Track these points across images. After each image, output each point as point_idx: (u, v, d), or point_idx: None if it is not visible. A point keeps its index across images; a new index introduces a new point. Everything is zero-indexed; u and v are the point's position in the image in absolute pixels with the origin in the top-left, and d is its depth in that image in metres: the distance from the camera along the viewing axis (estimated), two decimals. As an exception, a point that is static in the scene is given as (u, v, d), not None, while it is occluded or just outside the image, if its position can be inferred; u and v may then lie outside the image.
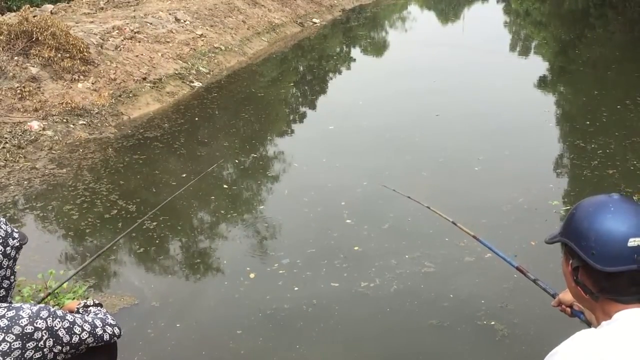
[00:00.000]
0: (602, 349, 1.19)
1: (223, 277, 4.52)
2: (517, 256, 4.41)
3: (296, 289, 4.27)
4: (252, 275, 4.46)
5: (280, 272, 4.50)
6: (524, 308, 3.85)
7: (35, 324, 1.66)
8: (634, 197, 5.31)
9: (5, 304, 1.72)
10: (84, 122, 7.71)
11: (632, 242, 1.24)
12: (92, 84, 8.46)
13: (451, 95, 9.34)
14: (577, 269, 1.33)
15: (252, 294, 4.23)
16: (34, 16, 8.86)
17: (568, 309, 1.68)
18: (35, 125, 7.22)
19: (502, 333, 3.66)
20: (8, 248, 1.75)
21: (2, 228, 1.75)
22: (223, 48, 11.76)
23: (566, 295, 1.63)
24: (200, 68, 10.52)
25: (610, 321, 1.26)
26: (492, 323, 3.75)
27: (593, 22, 17.47)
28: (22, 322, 1.65)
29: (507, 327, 3.70)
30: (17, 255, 1.81)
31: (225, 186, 6.22)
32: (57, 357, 1.73)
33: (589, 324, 1.49)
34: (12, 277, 1.80)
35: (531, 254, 4.45)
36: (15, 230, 1.83)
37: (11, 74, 7.80)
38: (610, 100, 8.63)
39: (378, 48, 15.27)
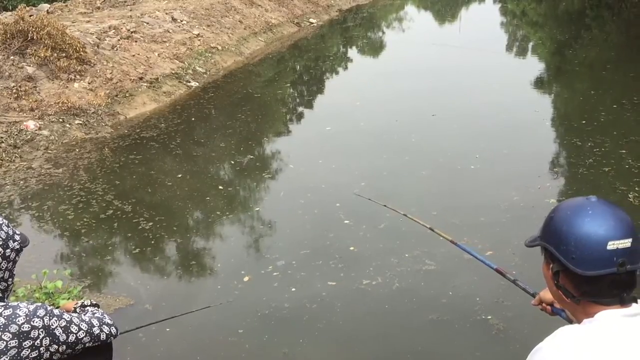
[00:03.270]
0: (584, 344, 1.21)
1: (216, 281, 4.47)
2: (515, 254, 4.43)
3: (293, 289, 4.26)
4: (246, 279, 4.41)
5: (275, 274, 4.46)
6: (517, 303, 3.90)
7: (32, 323, 1.65)
8: (630, 195, 5.33)
9: (2, 303, 1.71)
10: (80, 122, 7.69)
11: (611, 245, 1.24)
12: (89, 83, 8.43)
13: (448, 95, 9.34)
14: (558, 273, 1.33)
15: (246, 297, 4.18)
16: (30, 15, 8.84)
17: (549, 307, 1.68)
18: (31, 124, 7.19)
19: (497, 327, 3.76)
20: (8, 250, 1.73)
21: (3, 230, 1.73)
22: (220, 48, 11.74)
23: (547, 294, 1.63)
24: (197, 68, 10.50)
25: (592, 319, 1.27)
26: (489, 317, 3.84)
27: (589, 22, 17.51)
28: (18, 321, 1.64)
29: (502, 321, 3.80)
30: (17, 258, 1.79)
31: (220, 187, 6.21)
32: (54, 357, 1.72)
33: (571, 322, 1.49)
34: (10, 279, 1.78)
35: (528, 251, 4.44)
36: (17, 232, 1.81)
37: (7, 73, 7.78)
38: (607, 100, 8.64)
39: (375, 48, 15.27)
